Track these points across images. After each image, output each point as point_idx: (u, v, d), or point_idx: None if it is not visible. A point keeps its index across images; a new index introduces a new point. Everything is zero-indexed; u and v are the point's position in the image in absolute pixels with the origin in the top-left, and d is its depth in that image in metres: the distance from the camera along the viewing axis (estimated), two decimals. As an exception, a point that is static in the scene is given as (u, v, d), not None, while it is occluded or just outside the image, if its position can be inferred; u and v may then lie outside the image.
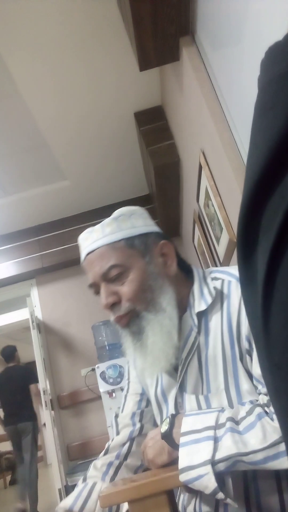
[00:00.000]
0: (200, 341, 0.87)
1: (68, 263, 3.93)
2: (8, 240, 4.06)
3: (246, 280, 0.38)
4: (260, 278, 0.34)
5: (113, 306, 0.89)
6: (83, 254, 0.95)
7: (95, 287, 0.93)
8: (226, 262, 2.14)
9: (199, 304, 0.88)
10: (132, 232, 0.93)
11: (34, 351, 3.65)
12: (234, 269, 0.93)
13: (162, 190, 3.08)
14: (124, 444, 0.98)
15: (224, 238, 2.00)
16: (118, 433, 1.01)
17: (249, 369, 0.81)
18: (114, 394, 3.08)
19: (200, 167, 2.08)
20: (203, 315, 0.88)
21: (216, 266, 2.47)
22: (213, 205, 2.05)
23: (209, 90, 1.73)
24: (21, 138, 2.85)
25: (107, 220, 0.94)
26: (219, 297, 0.88)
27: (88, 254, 0.93)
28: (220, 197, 1.92)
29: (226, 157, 1.62)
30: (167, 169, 2.78)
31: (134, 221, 0.95)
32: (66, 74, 2.36)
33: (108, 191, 3.72)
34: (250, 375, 0.81)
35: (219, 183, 1.89)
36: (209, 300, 0.87)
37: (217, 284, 0.90)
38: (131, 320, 0.88)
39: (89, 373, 3.62)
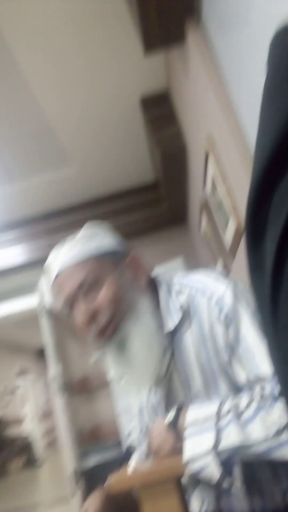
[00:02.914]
0: (177, 359, 0.88)
1: (76, 251, 3.93)
2: (16, 227, 4.07)
3: (254, 268, 0.37)
4: (269, 266, 0.33)
5: (92, 319, 0.88)
6: (51, 277, 0.95)
7: (69, 306, 0.92)
8: (233, 250, 2.13)
9: (166, 324, 0.88)
10: (99, 250, 0.94)
11: (44, 337, 3.69)
12: (197, 279, 0.93)
13: (169, 178, 3.06)
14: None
15: (231, 226, 1.99)
16: None
17: (232, 380, 0.83)
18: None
19: (207, 154, 2.06)
20: (174, 334, 0.88)
21: (223, 254, 2.46)
22: (220, 192, 2.04)
23: (215, 73, 1.70)
24: (26, 124, 2.83)
25: (71, 242, 0.97)
26: (188, 315, 0.88)
27: (57, 276, 0.93)
28: (228, 184, 1.90)
29: (233, 143, 1.60)
30: (173, 156, 2.75)
31: (99, 240, 0.97)
32: (70, 59, 2.33)
33: (114, 178, 3.70)
34: (233, 387, 0.83)
35: (226, 170, 1.87)
36: (176, 320, 0.87)
37: (182, 300, 0.89)
38: (114, 329, 0.88)
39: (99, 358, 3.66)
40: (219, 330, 0.82)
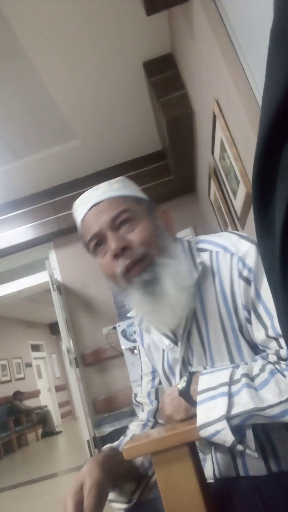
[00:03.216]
0: (197, 314, 0.86)
1: (84, 225, 3.93)
2: (23, 204, 4.07)
3: (262, 231, 0.35)
4: (278, 228, 0.31)
5: (123, 252, 0.85)
6: (86, 208, 0.92)
7: (99, 237, 0.89)
8: (244, 217, 2.09)
9: (191, 276, 0.87)
10: (137, 193, 0.94)
11: (56, 312, 3.74)
12: (220, 237, 0.91)
13: (176, 144, 2.99)
14: (145, 424, 1.01)
15: (241, 191, 1.94)
16: (143, 410, 1.04)
17: (251, 338, 0.81)
18: (135, 351, 3.15)
19: (214, 118, 1.99)
20: (197, 289, 0.87)
21: (233, 220, 2.42)
22: (229, 157, 1.98)
23: (222, 32, 1.62)
24: (28, 98, 2.77)
25: (112, 180, 0.95)
26: (210, 271, 0.87)
27: (93, 206, 0.90)
28: (236, 148, 1.84)
29: (241, 105, 1.53)
30: (180, 122, 2.67)
31: (135, 188, 0.97)
32: (69, 26, 2.24)
33: (119, 148, 3.64)
34: (251, 345, 0.82)
35: (234, 134, 1.81)
36: (195, 275, 0.85)
37: (205, 257, 0.88)
38: (146, 266, 0.85)
39: (111, 331, 3.70)
40: (241, 286, 0.80)
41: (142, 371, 1.08)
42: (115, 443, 0.97)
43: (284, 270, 0.31)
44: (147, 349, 1.03)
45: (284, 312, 0.33)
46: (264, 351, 0.80)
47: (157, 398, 1.03)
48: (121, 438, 0.99)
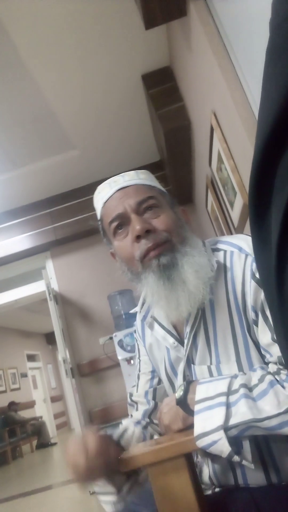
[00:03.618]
0: (206, 313, 0.86)
1: (81, 235, 3.93)
2: (21, 213, 4.07)
3: (259, 242, 0.35)
4: (274, 239, 0.31)
5: (147, 233, 0.85)
6: (112, 190, 0.92)
7: (122, 219, 0.89)
8: (241, 228, 2.10)
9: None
10: (161, 188, 0.96)
11: (53, 322, 3.72)
12: (236, 239, 0.91)
13: (173, 155, 3.01)
14: (139, 422, 0.99)
15: (238, 203, 1.96)
16: (137, 409, 1.02)
17: (257, 340, 0.81)
18: (132, 361, 3.13)
19: (212, 130, 2.01)
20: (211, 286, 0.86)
21: (231, 231, 2.43)
22: (226, 169, 2.00)
23: (219, 46, 1.64)
24: (27, 109, 2.79)
25: (139, 170, 0.97)
26: (222, 269, 0.87)
27: (120, 189, 0.91)
28: (233, 160, 1.86)
29: (238, 118, 1.55)
30: (177, 133, 2.69)
31: (158, 183, 0.98)
32: (69, 38, 2.27)
33: (118, 158, 3.66)
34: (259, 348, 0.81)
35: (232, 145, 1.83)
36: (211, 272, 0.85)
37: (219, 256, 0.89)
38: (166, 251, 0.85)
39: (107, 341, 3.68)
40: (252, 287, 0.80)
41: (140, 371, 1.07)
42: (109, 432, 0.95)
43: (280, 280, 0.32)
44: (149, 348, 1.02)
45: (279, 320, 0.33)
46: (266, 356, 0.79)
47: (154, 398, 1.01)
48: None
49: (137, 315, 1.07)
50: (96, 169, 3.74)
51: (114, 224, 0.90)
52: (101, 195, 0.95)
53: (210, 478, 0.87)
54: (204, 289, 0.82)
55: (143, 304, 1.02)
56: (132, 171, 0.95)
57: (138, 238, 0.86)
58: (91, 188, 4.18)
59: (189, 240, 0.89)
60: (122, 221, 0.89)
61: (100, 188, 0.96)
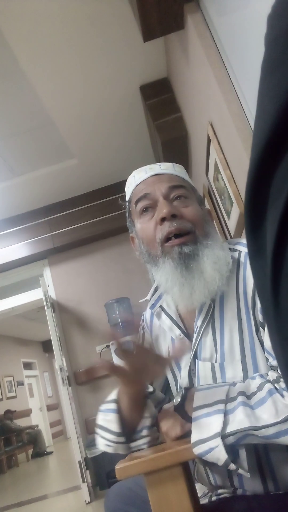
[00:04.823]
0: (215, 310, 0.86)
1: (79, 243, 3.94)
2: (19, 221, 4.08)
3: (254, 251, 0.36)
4: (269, 249, 0.32)
5: (173, 217, 0.86)
6: (147, 174, 0.93)
7: (151, 200, 0.90)
8: (237, 237, 2.11)
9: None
10: (192, 184, 0.98)
11: (50, 329, 3.71)
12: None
13: (171, 165, 3.03)
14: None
15: (235, 212, 1.97)
16: None
17: (263, 341, 0.81)
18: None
19: (209, 140, 2.04)
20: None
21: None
22: (222, 179, 2.02)
23: (216, 58, 1.67)
24: (26, 118, 2.81)
25: (175, 163, 0.99)
26: (235, 268, 0.87)
27: (155, 175, 0.93)
28: (230, 170, 1.88)
29: (235, 128, 1.57)
30: (175, 143, 2.72)
31: (190, 180, 1.00)
32: (69, 49, 2.30)
33: (115, 167, 3.68)
34: (264, 347, 0.81)
35: (228, 156, 1.85)
36: (229, 265, 0.86)
37: (235, 256, 0.89)
38: (189, 241, 0.86)
39: (104, 349, 3.68)
40: None
41: None
42: None
43: (275, 290, 0.32)
44: (155, 340, 1.01)
45: (275, 330, 0.34)
46: (269, 358, 0.79)
47: (151, 383, 1.01)
48: None
49: (148, 302, 1.07)
50: (94, 178, 3.76)
51: (141, 204, 0.91)
52: (135, 178, 0.96)
53: (209, 482, 0.87)
54: (220, 281, 0.83)
55: (154, 292, 1.02)
56: (169, 163, 0.98)
57: (162, 220, 0.87)
58: (89, 196, 4.21)
59: (212, 235, 0.90)
60: (150, 203, 0.90)
61: (135, 172, 0.98)
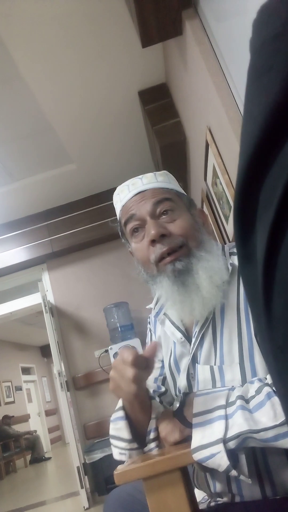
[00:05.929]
0: (216, 314, 0.87)
1: (78, 247, 3.94)
2: (17, 226, 4.08)
3: (245, 259, 0.35)
4: (260, 257, 0.31)
5: (162, 238, 0.86)
6: (130, 194, 0.93)
7: (138, 221, 0.90)
8: (236, 241, 2.12)
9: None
10: (179, 189, 0.97)
11: (48, 334, 3.70)
12: None
13: (169, 170, 3.03)
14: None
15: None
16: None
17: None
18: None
19: (207, 145, 2.05)
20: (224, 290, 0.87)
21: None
22: (221, 183, 2.02)
23: (214, 64, 1.68)
24: (25, 123, 2.82)
25: (157, 172, 0.97)
26: (236, 272, 0.87)
27: (138, 193, 0.92)
28: (228, 175, 1.89)
29: (233, 133, 1.58)
30: (173, 148, 2.73)
31: (177, 183, 0.99)
32: (68, 55, 2.31)
33: (114, 172, 3.69)
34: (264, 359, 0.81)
35: (226, 161, 1.86)
36: (227, 274, 0.86)
37: (235, 259, 0.89)
38: (181, 256, 0.86)
39: (103, 354, 3.67)
40: None
41: None
42: None
43: (266, 297, 0.32)
44: (158, 340, 1.03)
45: (266, 338, 0.33)
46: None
47: (163, 384, 1.01)
48: None
49: (152, 311, 1.08)
50: (92, 183, 3.77)
51: (130, 225, 0.91)
52: (120, 197, 0.96)
53: (208, 488, 0.87)
54: (217, 294, 0.83)
55: (157, 302, 1.03)
56: (151, 174, 0.97)
57: (153, 242, 0.87)
58: (87, 201, 4.22)
59: (205, 244, 0.89)
60: (139, 224, 0.90)
61: (119, 190, 0.98)
